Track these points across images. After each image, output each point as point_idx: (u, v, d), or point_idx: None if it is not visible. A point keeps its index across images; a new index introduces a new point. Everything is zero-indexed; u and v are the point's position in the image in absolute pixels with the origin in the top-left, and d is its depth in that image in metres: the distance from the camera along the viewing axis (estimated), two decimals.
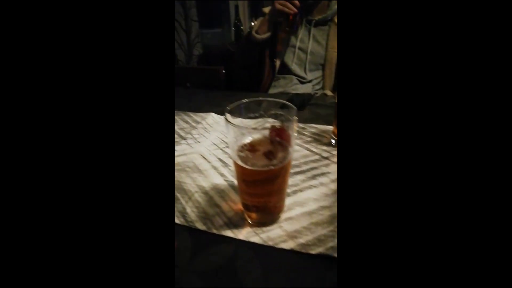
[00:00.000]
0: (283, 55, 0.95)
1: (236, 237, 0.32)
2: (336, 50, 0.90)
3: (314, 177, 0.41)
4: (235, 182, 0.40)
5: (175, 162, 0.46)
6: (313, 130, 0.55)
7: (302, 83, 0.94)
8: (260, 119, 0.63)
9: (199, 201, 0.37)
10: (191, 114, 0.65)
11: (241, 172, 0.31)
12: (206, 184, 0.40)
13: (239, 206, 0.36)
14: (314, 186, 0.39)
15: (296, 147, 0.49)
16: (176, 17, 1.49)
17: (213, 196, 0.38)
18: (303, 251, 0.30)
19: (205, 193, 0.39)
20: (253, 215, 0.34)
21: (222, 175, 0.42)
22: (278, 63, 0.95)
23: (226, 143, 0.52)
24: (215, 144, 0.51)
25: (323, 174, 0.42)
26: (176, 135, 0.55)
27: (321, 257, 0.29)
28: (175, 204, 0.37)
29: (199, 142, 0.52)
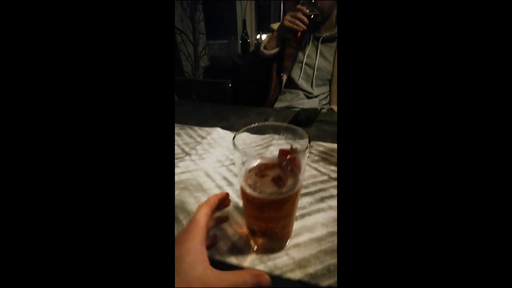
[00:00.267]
0: (290, 70, 0.95)
1: (241, 265, 0.30)
2: None
3: (322, 199, 0.40)
4: (241, 203, 0.38)
5: (178, 179, 0.44)
6: (320, 149, 0.54)
7: (309, 98, 0.94)
8: (267, 135, 0.62)
9: None
10: (196, 128, 0.65)
11: (247, 197, 0.30)
12: None
13: (245, 230, 0.34)
14: (323, 210, 0.38)
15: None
16: (185, 31, 1.52)
17: None
18: (312, 282, 0.28)
19: None
20: (259, 240, 0.32)
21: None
22: (285, 77, 0.95)
23: (231, 160, 0.50)
24: (220, 161, 0.50)
25: (331, 196, 0.40)
26: (180, 151, 0.54)
27: None
28: (176, 226, 0.35)
29: (203, 158, 0.51)
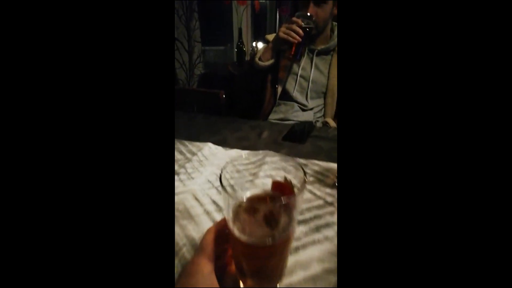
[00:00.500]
0: (285, 82, 0.93)
1: None
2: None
3: (318, 229, 0.36)
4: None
5: None
6: (315, 168, 0.51)
7: (303, 110, 0.91)
8: (260, 152, 0.59)
9: (187, 258, 0.32)
10: (187, 143, 0.61)
11: (235, 238, 0.26)
12: (196, 234, 0.35)
13: (233, 267, 0.31)
14: (318, 242, 0.34)
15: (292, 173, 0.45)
16: (180, 38, 1.50)
17: None
18: None
19: (195, 246, 0.34)
20: (248, 281, 0.29)
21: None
22: (279, 89, 0.93)
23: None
24: (209, 182, 0.46)
25: (327, 225, 0.37)
26: None
27: None
28: None
29: (192, 178, 0.47)
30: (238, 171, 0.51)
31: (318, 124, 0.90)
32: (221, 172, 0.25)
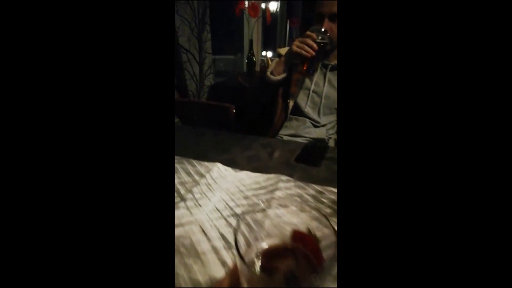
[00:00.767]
0: (296, 96, 0.89)
1: None
2: None
3: None
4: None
5: None
6: (332, 197, 0.46)
7: (316, 126, 0.87)
8: (272, 175, 0.54)
9: None
10: (195, 162, 0.58)
11: None
12: (202, 278, 0.31)
13: None
14: None
15: (315, 223, 0.40)
16: (191, 50, 1.49)
17: None
18: None
19: None
20: None
21: (224, 264, 0.33)
22: (291, 103, 0.89)
23: (230, 208, 0.43)
24: (218, 210, 0.42)
25: None
26: (175, 194, 0.47)
27: None
28: None
29: (200, 205, 0.43)
30: (246, 197, 0.47)
31: (331, 142, 0.86)
32: (235, 237, 0.21)
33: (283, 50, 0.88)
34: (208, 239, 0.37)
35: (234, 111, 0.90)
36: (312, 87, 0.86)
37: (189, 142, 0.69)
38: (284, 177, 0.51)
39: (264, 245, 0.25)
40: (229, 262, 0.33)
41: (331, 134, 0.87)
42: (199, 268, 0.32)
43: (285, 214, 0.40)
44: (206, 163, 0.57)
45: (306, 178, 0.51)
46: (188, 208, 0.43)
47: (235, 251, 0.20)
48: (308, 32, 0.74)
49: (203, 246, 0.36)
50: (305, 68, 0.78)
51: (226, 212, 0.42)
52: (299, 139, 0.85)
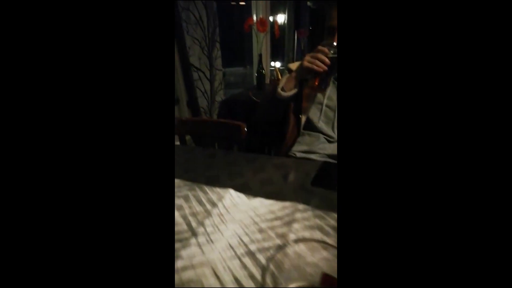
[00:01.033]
0: (308, 111, 0.85)
1: None
2: None
3: None
4: None
5: (179, 280, 0.34)
6: None
7: (330, 142, 0.83)
8: (287, 203, 0.50)
9: None
10: (206, 188, 0.55)
11: None
12: None
13: None
14: None
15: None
16: (202, 68, 1.50)
17: None
18: None
19: None
20: None
21: None
22: (303, 119, 0.85)
23: (245, 244, 0.39)
24: (231, 247, 0.39)
25: None
26: (186, 227, 0.44)
27: None
28: None
29: (212, 242, 0.40)
30: (261, 231, 0.43)
31: None
32: None
33: (293, 65, 0.86)
34: (221, 282, 0.33)
35: (245, 129, 0.88)
36: (325, 101, 0.82)
37: (199, 165, 0.67)
38: (301, 206, 0.46)
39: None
40: None
41: None
42: None
43: (307, 252, 0.35)
44: (218, 189, 0.54)
45: (325, 205, 0.47)
46: (199, 246, 0.40)
47: None
48: (320, 47, 0.71)
49: None
50: (317, 83, 0.75)
51: (240, 250, 0.38)
52: (313, 156, 0.81)
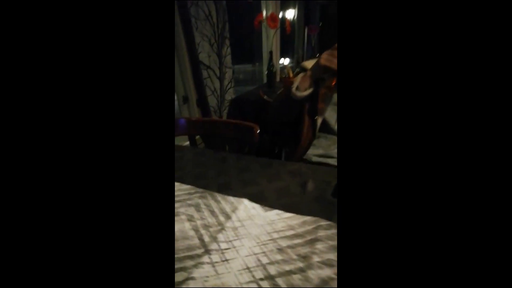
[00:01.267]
0: (324, 112, 0.80)
1: None
2: None
3: None
4: None
5: None
6: None
7: None
8: (308, 218, 0.46)
9: None
10: (219, 197, 0.51)
11: None
12: None
13: None
14: None
15: None
16: (211, 66, 1.46)
17: None
18: None
19: None
20: None
21: None
22: (319, 120, 0.80)
23: (263, 266, 0.35)
24: (248, 269, 0.35)
25: None
26: (198, 241, 0.40)
27: None
28: None
29: (227, 261, 0.36)
30: (281, 250, 0.39)
31: None
32: None
33: (308, 64, 0.80)
34: None
35: (258, 132, 0.83)
36: None
37: (211, 171, 0.63)
38: (323, 222, 0.42)
39: None
40: None
41: None
42: None
43: (334, 278, 0.31)
44: (232, 199, 0.50)
45: None
46: (213, 265, 0.36)
47: None
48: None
49: None
50: (334, 82, 0.70)
51: (259, 274, 0.34)
52: (330, 160, 0.76)
